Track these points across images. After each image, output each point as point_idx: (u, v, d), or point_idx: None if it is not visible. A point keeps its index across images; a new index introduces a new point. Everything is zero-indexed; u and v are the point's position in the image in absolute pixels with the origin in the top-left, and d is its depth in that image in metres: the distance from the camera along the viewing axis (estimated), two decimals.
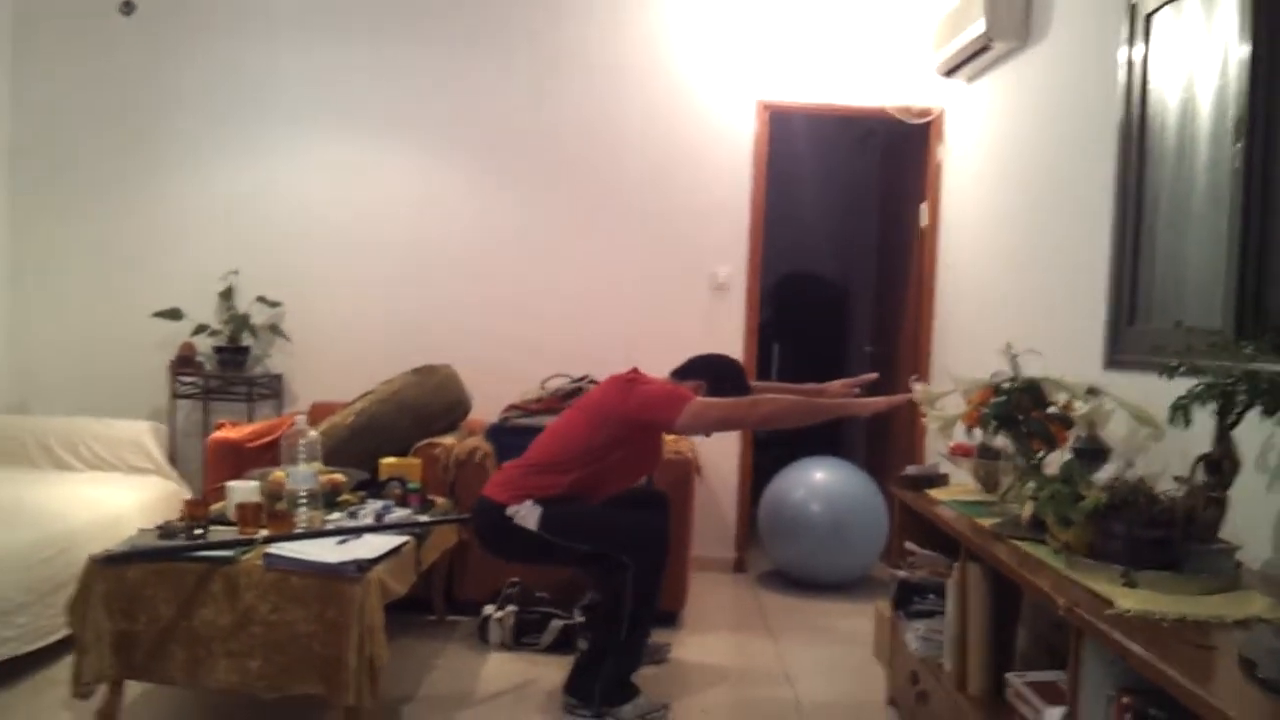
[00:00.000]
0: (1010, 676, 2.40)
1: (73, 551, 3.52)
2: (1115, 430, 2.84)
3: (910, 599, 3.15)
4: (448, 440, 4.27)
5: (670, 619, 4.23)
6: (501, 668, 3.66)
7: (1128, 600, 1.90)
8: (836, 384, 3.63)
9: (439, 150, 5.13)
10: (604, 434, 3.28)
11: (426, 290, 5.14)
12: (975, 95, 4.57)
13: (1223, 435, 2.11)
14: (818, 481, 4.87)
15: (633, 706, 3.21)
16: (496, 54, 5.10)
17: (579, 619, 3.84)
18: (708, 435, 3.52)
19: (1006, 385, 2.77)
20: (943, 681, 2.84)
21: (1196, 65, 2.65)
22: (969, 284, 4.54)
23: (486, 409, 4.66)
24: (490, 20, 5.10)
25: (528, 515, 3.19)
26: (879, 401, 3.25)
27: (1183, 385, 2.20)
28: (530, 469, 3.33)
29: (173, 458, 4.92)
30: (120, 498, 4.14)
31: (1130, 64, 2.96)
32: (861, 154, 6.72)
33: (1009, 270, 4.02)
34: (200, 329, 4.96)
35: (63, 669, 3.17)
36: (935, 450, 3.95)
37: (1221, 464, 2.11)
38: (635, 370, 3.40)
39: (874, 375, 3.66)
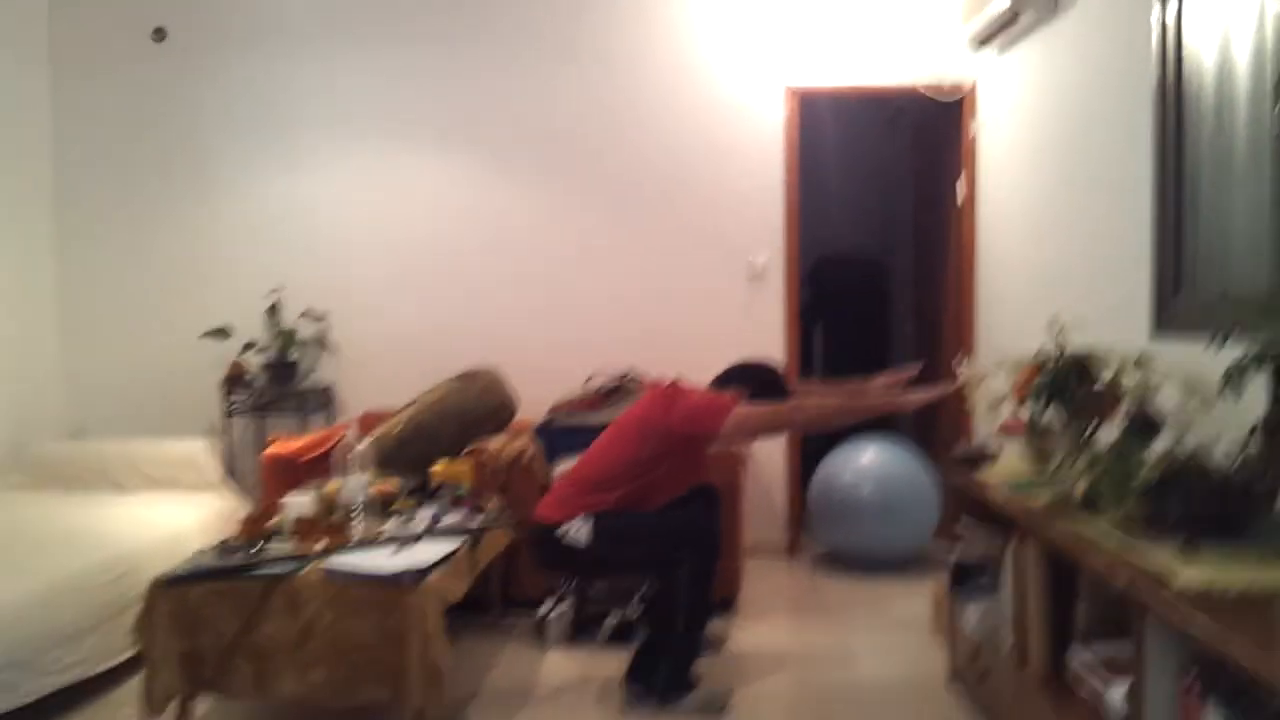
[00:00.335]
0: (1073, 652, 2.38)
1: (136, 573, 3.58)
2: (1165, 401, 2.80)
3: (966, 579, 3.14)
4: (495, 443, 4.30)
5: (726, 606, 4.24)
6: (560, 664, 3.69)
7: (1188, 574, 1.88)
8: (879, 380, 3.60)
9: (473, 154, 5.17)
10: (649, 448, 3.31)
11: (468, 295, 5.18)
12: (1007, 67, 4.52)
13: (1277, 401, 2.07)
14: (867, 462, 4.85)
15: (693, 698, 3.22)
16: (523, 53, 5.12)
17: (636, 611, 3.85)
18: (751, 442, 3.52)
19: (1052, 362, 2.74)
20: (1003, 660, 2.83)
21: (1232, 24, 2.60)
22: (1010, 258, 4.49)
23: (532, 410, 4.69)
24: (515, 18, 5.12)
25: (579, 532, 3.23)
26: (921, 396, 3.23)
27: (1232, 354, 2.17)
28: (579, 487, 3.37)
29: (230, 473, 4.99)
30: (179, 517, 4.21)
31: (1163, 26, 2.91)
32: (893, 133, 6.66)
33: (1050, 243, 3.97)
34: (248, 346, 5.03)
35: (131, 689, 3.25)
36: (984, 427, 3.92)
37: (1277, 431, 2.07)
38: (675, 382, 3.41)
39: (916, 368, 3.62)
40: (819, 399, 3.34)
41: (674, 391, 3.36)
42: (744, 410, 3.24)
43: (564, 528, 3.25)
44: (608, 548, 3.23)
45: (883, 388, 3.48)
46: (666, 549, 3.22)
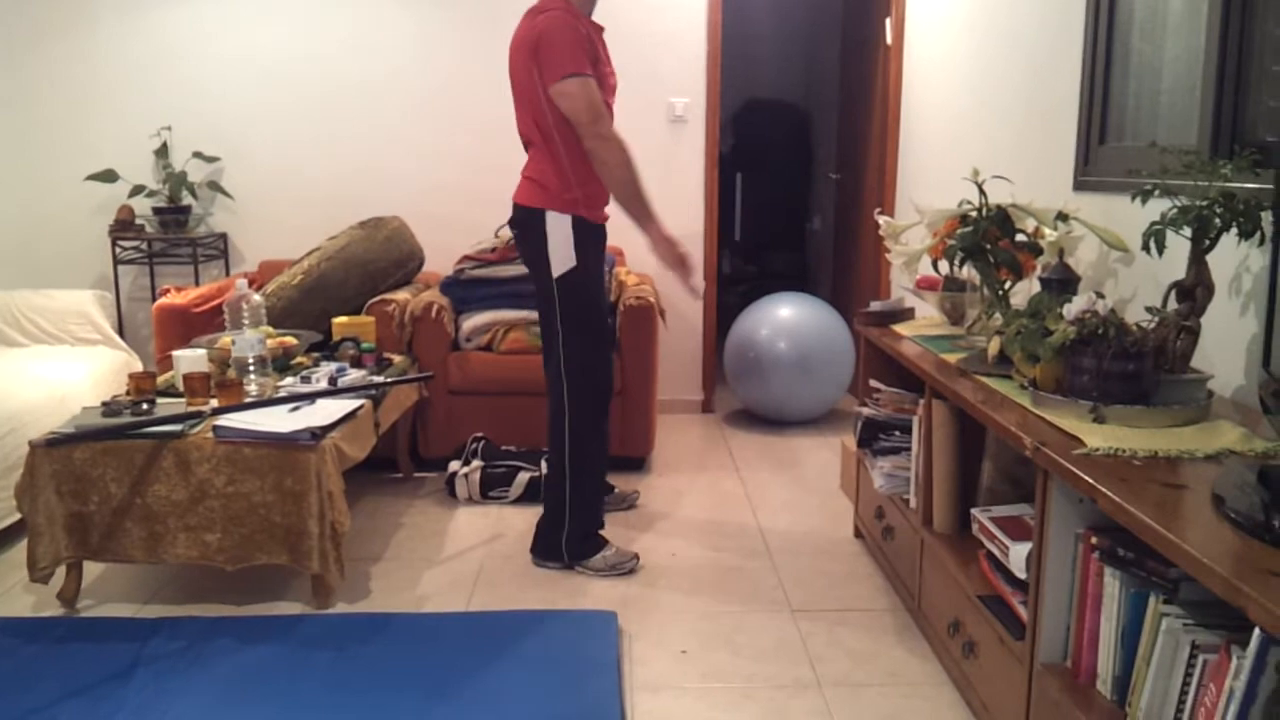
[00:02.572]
0: (976, 512, 2.37)
1: (23, 431, 3.43)
2: (1085, 256, 2.76)
3: (875, 436, 3.11)
4: (401, 296, 4.14)
5: (639, 464, 4.22)
6: (470, 522, 3.64)
7: (1096, 438, 1.84)
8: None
9: None
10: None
11: (372, 139, 4.90)
12: None
13: (1197, 260, 2.01)
14: (783, 318, 4.79)
15: (601, 558, 3.20)
16: None
17: (545, 470, 3.80)
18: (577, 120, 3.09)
19: (974, 215, 2.65)
20: (908, 517, 2.83)
21: None
22: (934, 105, 4.35)
23: (440, 262, 4.52)
24: None
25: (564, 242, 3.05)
26: (669, 245, 3.03)
27: (1156, 208, 2.10)
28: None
29: (120, 327, 4.76)
30: (69, 371, 4.01)
31: None
32: None
33: (976, 90, 3.84)
34: (137, 190, 4.72)
35: (21, 552, 3.12)
36: (900, 284, 3.86)
37: (1195, 291, 2.02)
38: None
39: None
40: (629, 162, 2.99)
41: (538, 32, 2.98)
42: (582, 85, 2.92)
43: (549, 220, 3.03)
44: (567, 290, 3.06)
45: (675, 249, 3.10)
46: (570, 361, 3.11)
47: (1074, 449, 1.81)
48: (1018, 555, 2.11)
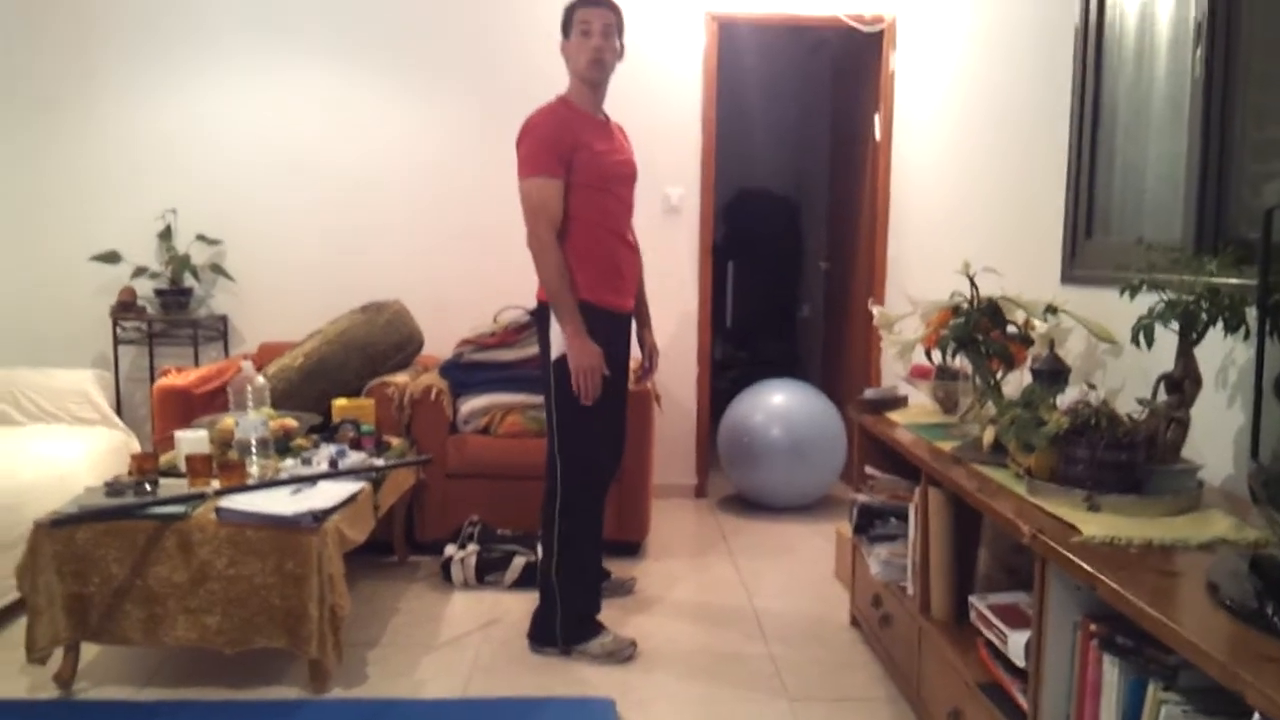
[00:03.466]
0: (973, 600, 2.40)
1: (21, 510, 3.41)
2: (1074, 347, 2.83)
3: (871, 523, 3.15)
4: (400, 379, 4.19)
5: (634, 549, 4.23)
6: (466, 607, 3.64)
7: (1092, 526, 1.88)
8: (647, 333, 3.59)
9: (384, 77, 4.94)
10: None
11: (373, 224, 4.99)
12: (928, 2, 4.46)
13: (1185, 353, 2.08)
14: (776, 404, 4.85)
15: (599, 644, 3.20)
16: None
17: (540, 556, 3.81)
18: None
19: (965, 306, 2.73)
20: (906, 605, 2.85)
21: None
22: (924, 198, 4.48)
23: (440, 346, 4.58)
24: None
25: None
26: (578, 352, 3.07)
27: (1142, 301, 2.18)
28: None
29: (119, 407, 4.79)
30: (67, 451, 4.02)
31: None
32: (814, 65, 6.59)
33: (964, 184, 3.96)
34: (140, 271, 4.79)
35: (18, 631, 3.11)
36: (893, 372, 3.94)
37: (1183, 383, 2.09)
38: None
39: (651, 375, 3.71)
40: (555, 266, 3.07)
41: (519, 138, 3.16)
42: (542, 187, 3.05)
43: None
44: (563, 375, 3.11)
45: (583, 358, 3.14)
46: (566, 443, 3.15)
47: (1071, 537, 1.85)
48: (1016, 643, 2.14)
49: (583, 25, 3.14)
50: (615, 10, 3.19)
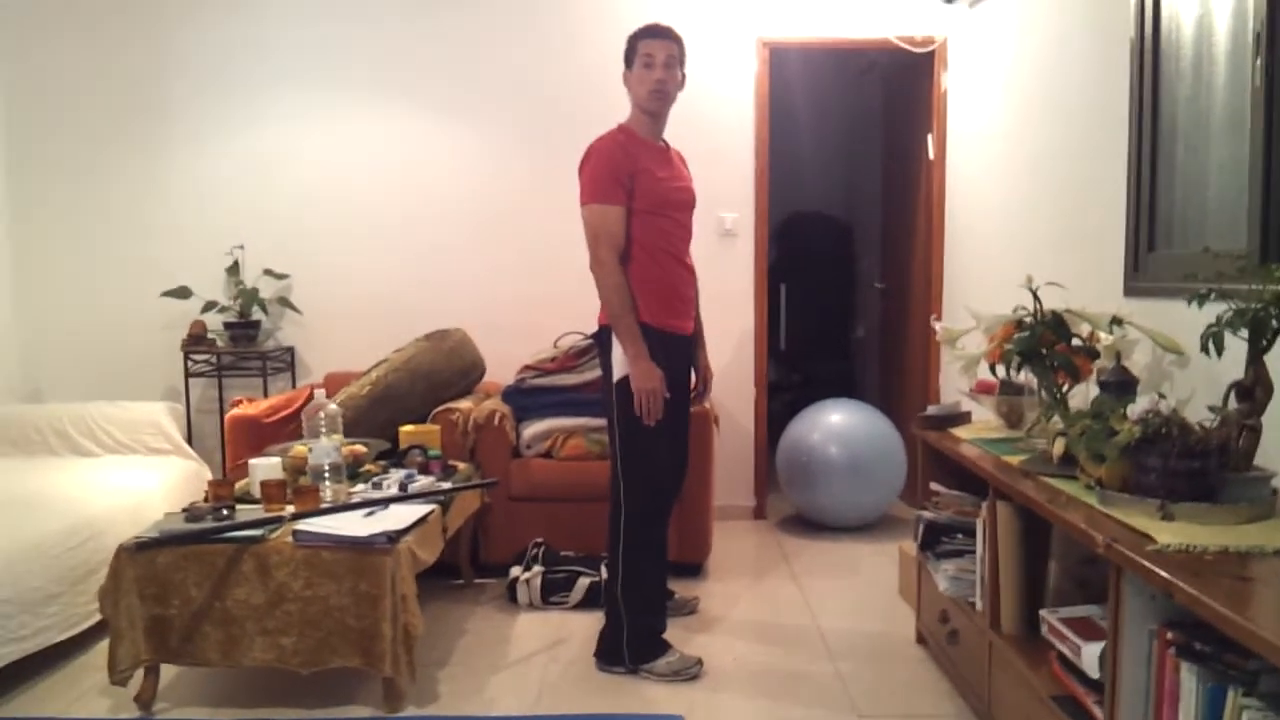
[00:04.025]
0: (1044, 613, 2.39)
1: (100, 538, 3.53)
2: (1139, 359, 2.81)
3: (937, 539, 3.15)
4: (464, 405, 4.26)
5: (696, 570, 4.24)
6: (532, 628, 3.68)
7: (1166, 534, 1.88)
8: (701, 355, 3.65)
9: (440, 109, 5.06)
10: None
11: (433, 253, 5.10)
12: (979, 20, 4.49)
13: (1255, 360, 2.08)
14: (834, 424, 4.86)
15: (665, 663, 3.22)
16: (485, 4, 5.00)
17: (605, 575, 3.84)
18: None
19: (1029, 320, 2.73)
20: (975, 620, 2.84)
21: None
22: (980, 216, 4.48)
23: (501, 371, 4.64)
24: None
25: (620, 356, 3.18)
26: (642, 376, 3.11)
27: (1208, 311, 2.17)
28: None
29: (190, 437, 4.91)
30: (142, 480, 4.14)
31: None
32: (864, 87, 6.62)
33: (1021, 200, 3.96)
34: (209, 306, 4.93)
35: (98, 655, 3.20)
36: (954, 388, 3.93)
37: (1254, 391, 2.08)
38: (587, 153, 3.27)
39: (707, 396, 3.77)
40: (618, 289, 3.14)
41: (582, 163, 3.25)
42: (603, 214, 3.14)
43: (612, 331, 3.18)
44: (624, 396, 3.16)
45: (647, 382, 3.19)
46: (629, 460, 3.20)
47: (1145, 545, 1.85)
48: (1090, 655, 2.13)
49: (646, 57, 3.21)
50: (678, 41, 3.26)
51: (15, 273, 5.13)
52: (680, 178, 3.36)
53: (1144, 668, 1.91)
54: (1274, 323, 2.01)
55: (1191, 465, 2.01)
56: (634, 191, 3.15)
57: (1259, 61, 2.32)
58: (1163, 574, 1.71)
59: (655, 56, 3.21)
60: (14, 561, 3.17)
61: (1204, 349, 2.07)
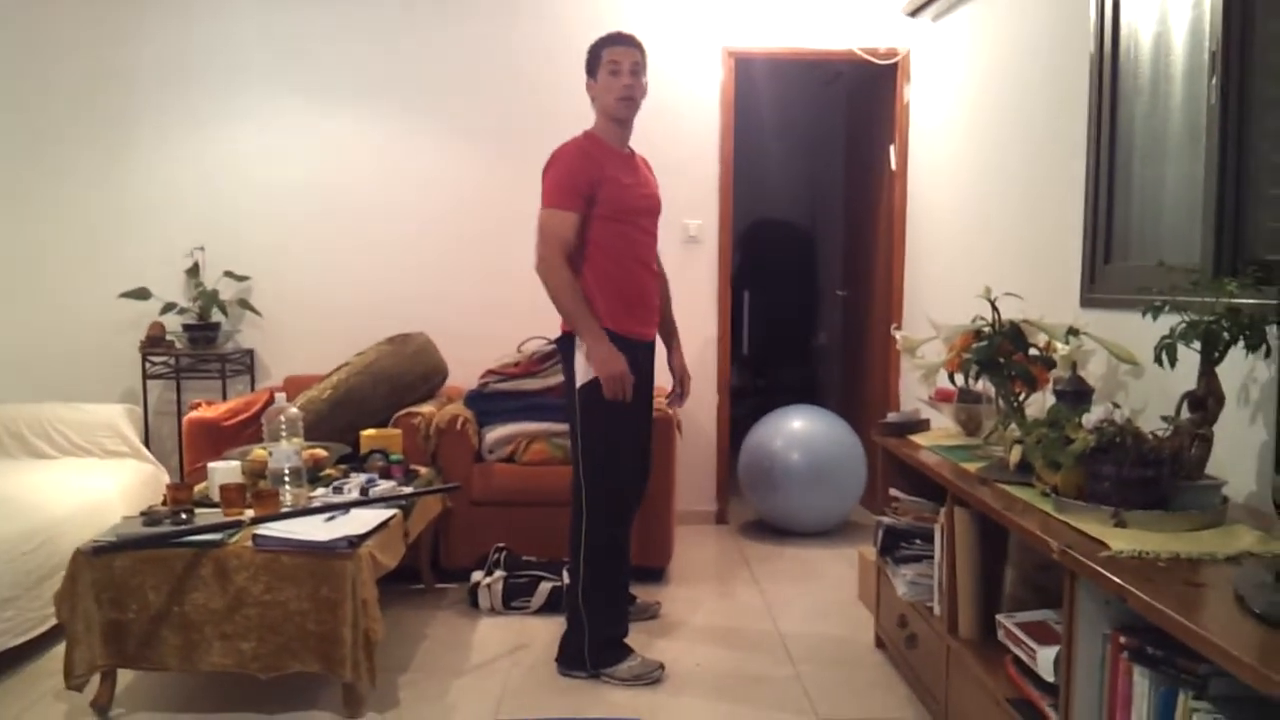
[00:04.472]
0: (1001, 618, 2.43)
1: (56, 541, 3.49)
2: (1094, 369, 2.87)
3: (896, 544, 3.19)
4: (427, 409, 4.25)
5: (657, 575, 4.26)
6: (493, 633, 3.67)
7: (1120, 541, 1.92)
8: (677, 357, 3.65)
9: (400, 114, 5.05)
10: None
11: (396, 258, 5.08)
12: (942, 34, 4.55)
13: (1207, 372, 2.13)
14: (796, 429, 4.89)
15: (627, 667, 3.23)
16: (453, 12, 5.00)
17: (567, 580, 3.85)
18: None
19: (987, 330, 2.78)
20: (933, 625, 2.88)
21: None
22: (941, 227, 4.54)
23: (464, 375, 4.64)
24: None
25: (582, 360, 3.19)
26: (603, 361, 3.12)
27: (1162, 323, 2.22)
28: None
29: (147, 440, 4.86)
30: (99, 483, 4.09)
31: None
32: (828, 97, 6.69)
33: (982, 211, 4.02)
34: (168, 307, 4.88)
35: (54, 660, 3.16)
36: (913, 396, 3.98)
37: (1206, 401, 2.13)
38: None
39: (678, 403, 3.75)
40: (566, 284, 3.15)
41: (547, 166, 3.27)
42: (555, 218, 3.15)
43: (576, 337, 3.19)
44: (586, 403, 3.18)
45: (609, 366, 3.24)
46: (590, 472, 3.21)
47: (1099, 551, 1.89)
48: (1046, 659, 2.17)
49: (612, 64, 3.23)
50: (640, 49, 3.28)
51: None
52: (646, 184, 3.38)
53: (1098, 671, 1.95)
54: (1225, 335, 2.06)
55: (1145, 473, 2.05)
56: (597, 198, 3.17)
57: (1214, 80, 2.38)
58: (1116, 579, 1.75)
59: (621, 63, 3.23)
60: None
61: (1158, 360, 2.12)
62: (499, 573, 3.91)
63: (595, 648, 3.25)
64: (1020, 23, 3.67)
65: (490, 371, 4.40)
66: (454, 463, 4.13)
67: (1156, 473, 2.05)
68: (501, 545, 4.05)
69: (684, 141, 5.02)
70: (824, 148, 7.05)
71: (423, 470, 3.92)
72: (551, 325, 3.40)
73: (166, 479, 4.50)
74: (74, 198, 5.04)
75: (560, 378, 3.72)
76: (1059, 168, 3.26)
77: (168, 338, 4.93)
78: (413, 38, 5.01)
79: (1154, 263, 2.56)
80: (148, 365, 4.93)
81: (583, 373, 3.19)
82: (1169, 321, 2.18)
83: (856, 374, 5.92)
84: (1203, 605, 1.68)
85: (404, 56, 5.02)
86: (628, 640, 3.34)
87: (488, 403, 4.33)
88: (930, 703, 2.94)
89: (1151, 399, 2.60)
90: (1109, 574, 1.77)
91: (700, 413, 5.15)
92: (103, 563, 2.90)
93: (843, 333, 6.37)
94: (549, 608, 3.81)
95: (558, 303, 3.18)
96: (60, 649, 2.94)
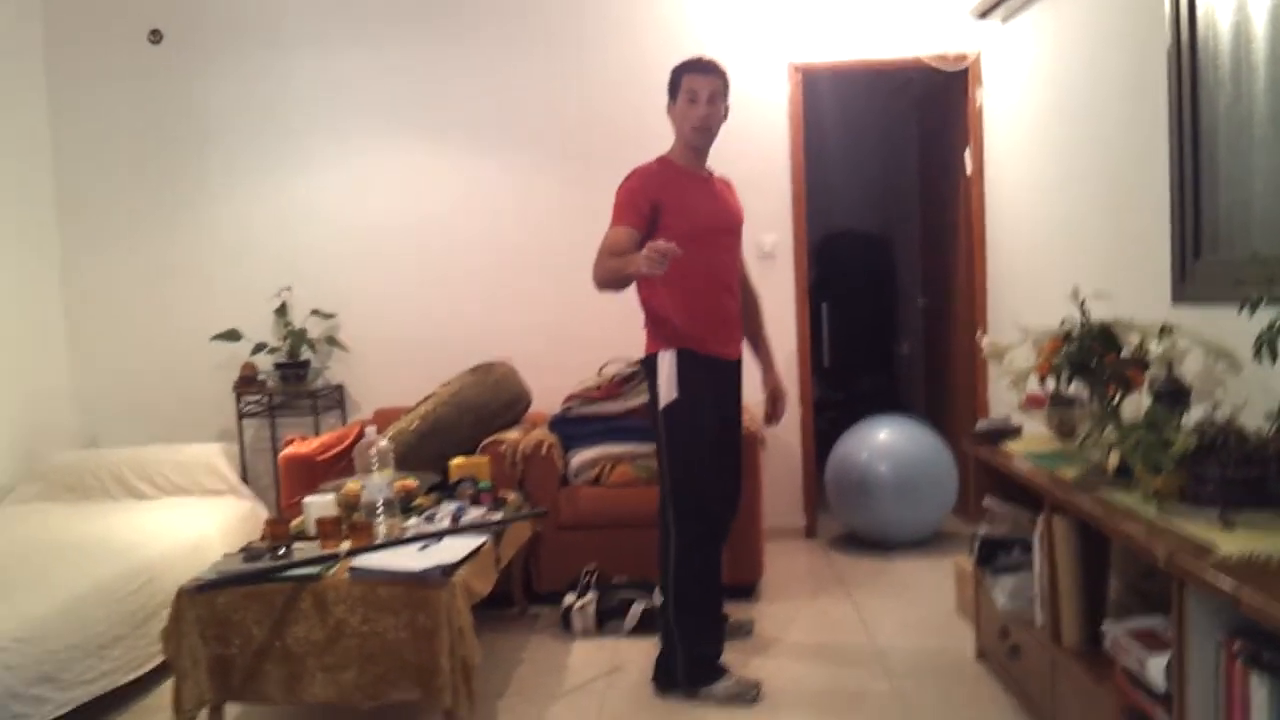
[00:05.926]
0: (1107, 626, 2.37)
1: (160, 580, 3.59)
2: (1190, 368, 2.79)
3: (994, 555, 3.13)
4: (512, 435, 4.30)
5: (749, 591, 4.23)
6: (588, 656, 3.69)
7: (1229, 543, 1.87)
8: (770, 375, 3.65)
9: (478, 146, 5.13)
10: None
11: (476, 289, 5.16)
12: (1012, 35, 4.48)
13: None
14: (882, 441, 4.83)
15: (723, 686, 3.22)
16: (519, 42, 5.08)
17: (659, 600, 3.84)
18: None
19: (1077, 332, 2.72)
20: (1036, 635, 2.82)
21: None
22: (1022, 229, 4.46)
23: (547, 401, 4.67)
24: (510, 9, 5.08)
25: (669, 377, 3.20)
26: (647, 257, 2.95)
27: (1260, 317, 2.15)
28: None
29: (244, 477, 4.99)
30: (199, 521, 4.20)
31: None
32: (898, 105, 6.63)
33: (1063, 211, 3.94)
34: (259, 347, 5.01)
35: (161, 696, 3.25)
36: (1002, 402, 3.91)
37: None
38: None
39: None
40: (608, 268, 3.14)
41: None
42: (614, 232, 3.18)
43: (661, 354, 3.21)
44: (672, 422, 3.19)
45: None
46: (678, 488, 3.22)
47: (1207, 556, 1.84)
48: (1156, 667, 2.11)
49: (690, 92, 3.25)
50: (722, 76, 3.29)
51: (70, 322, 5.25)
52: (719, 202, 3.39)
53: (1212, 679, 1.89)
54: None
55: (1250, 473, 1.99)
56: (663, 218, 3.18)
57: None
58: (1228, 584, 1.69)
59: (699, 92, 3.25)
60: (77, 606, 3.24)
61: (1257, 355, 2.06)
62: (591, 595, 3.92)
63: (690, 667, 3.24)
64: (1093, 19, 3.60)
65: (572, 396, 4.44)
66: (541, 487, 4.17)
67: (1263, 471, 1.99)
68: (592, 568, 4.06)
69: (754, 158, 5.01)
70: (897, 155, 6.99)
71: (511, 496, 3.95)
72: (630, 347, 3.41)
73: (264, 515, 4.60)
74: (164, 246, 5.22)
75: (641, 399, 3.75)
76: (1141, 163, 3.18)
77: (260, 377, 5.07)
78: (482, 71, 5.10)
79: (1247, 255, 2.48)
80: (242, 405, 5.07)
81: (666, 393, 3.20)
82: (1267, 315, 2.11)
83: (941, 382, 5.83)
84: None
85: (473, 89, 5.10)
86: (723, 659, 3.32)
87: (571, 427, 4.36)
88: (1035, 715, 2.87)
89: (1252, 396, 2.52)
90: (1220, 578, 1.72)
91: (784, 427, 5.07)
92: (205, 600, 2.97)
93: (924, 341, 6.28)
94: (642, 628, 3.80)
95: (605, 274, 3.15)
96: (168, 685, 3.01)
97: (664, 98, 3.37)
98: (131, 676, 3.40)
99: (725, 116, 3.34)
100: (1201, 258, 2.83)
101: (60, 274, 5.23)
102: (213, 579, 3.00)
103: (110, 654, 3.31)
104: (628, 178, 3.29)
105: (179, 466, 4.73)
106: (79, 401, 5.27)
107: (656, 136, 3.42)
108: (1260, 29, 2.50)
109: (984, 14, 4.54)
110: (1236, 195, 2.68)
